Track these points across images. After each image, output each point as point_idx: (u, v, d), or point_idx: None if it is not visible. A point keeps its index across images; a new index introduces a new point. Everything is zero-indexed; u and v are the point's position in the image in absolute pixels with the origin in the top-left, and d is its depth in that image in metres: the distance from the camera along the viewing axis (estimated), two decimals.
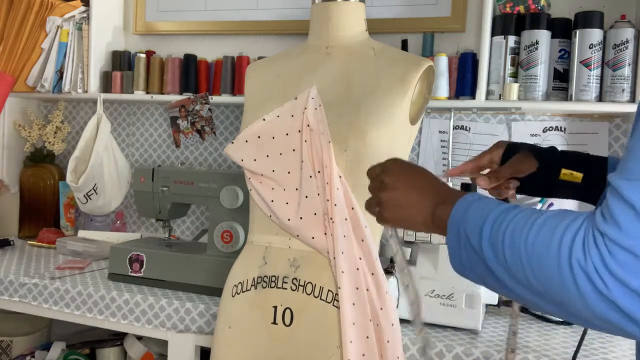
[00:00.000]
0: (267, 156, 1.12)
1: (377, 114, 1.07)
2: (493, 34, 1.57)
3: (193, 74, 1.96)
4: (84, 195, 1.89)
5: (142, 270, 1.51)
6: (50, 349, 1.82)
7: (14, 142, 2.18)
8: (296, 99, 1.12)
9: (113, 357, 1.84)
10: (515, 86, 1.53)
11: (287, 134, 1.11)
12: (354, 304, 1.04)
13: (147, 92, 1.99)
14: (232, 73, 1.91)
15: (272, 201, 1.11)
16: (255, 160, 1.13)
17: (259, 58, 1.89)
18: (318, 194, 1.07)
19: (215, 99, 1.91)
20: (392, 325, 1.05)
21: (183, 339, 1.40)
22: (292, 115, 1.11)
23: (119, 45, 2.11)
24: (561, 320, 1.38)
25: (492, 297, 1.33)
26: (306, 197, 1.08)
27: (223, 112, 2.04)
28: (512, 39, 1.54)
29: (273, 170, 1.11)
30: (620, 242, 0.56)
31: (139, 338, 1.77)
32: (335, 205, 1.04)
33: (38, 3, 1.97)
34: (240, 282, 1.16)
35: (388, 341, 1.04)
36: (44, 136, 2.14)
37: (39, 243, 1.96)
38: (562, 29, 1.52)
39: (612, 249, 0.56)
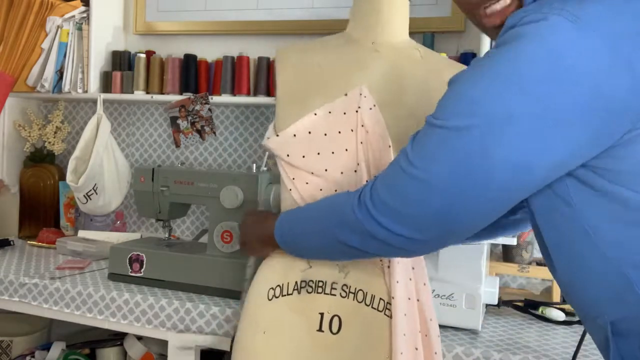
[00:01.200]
0: (318, 154, 1.04)
1: None
2: None
3: (193, 74, 1.96)
4: (84, 195, 1.89)
5: (142, 270, 1.51)
6: (50, 349, 1.82)
7: (14, 142, 2.18)
8: (346, 95, 1.05)
9: (113, 357, 1.84)
10: None
11: (339, 132, 1.05)
12: (405, 315, 1.01)
13: (147, 92, 1.99)
14: (232, 73, 1.91)
15: None
16: (303, 156, 1.04)
17: (259, 58, 1.89)
18: None
19: (215, 99, 1.91)
20: (438, 336, 1.04)
21: (183, 339, 1.40)
22: (345, 113, 1.05)
23: (119, 45, 2.11)
24: (561, 320, 1.38)
25: (492, 297, 1.33)
26: None
27: (223, 112, 2.04)
28: None
29: (326, 170, 1.04)
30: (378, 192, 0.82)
31: (139, 338, 1.77)
32: None
33: (38, 3, 1.97)
34: (278, 285, 1.08)
35: (436, 352, 1.02)
36: (44, 136, 2.14)
37: (39, 243, 1.96)
38: None
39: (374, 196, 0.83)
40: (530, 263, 1.53)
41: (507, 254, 1.55)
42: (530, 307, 1.42)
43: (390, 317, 1.02)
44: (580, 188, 0.74)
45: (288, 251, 1.01)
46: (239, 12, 1.97)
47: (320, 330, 1.05)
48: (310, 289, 1.06)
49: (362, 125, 1.03)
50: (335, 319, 1.04)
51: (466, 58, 1.64)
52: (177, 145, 2.05)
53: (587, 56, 0.68)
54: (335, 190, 1.04)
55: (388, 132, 1.03)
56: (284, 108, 1.09)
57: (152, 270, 1.50)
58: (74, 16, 2.03)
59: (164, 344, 1.46)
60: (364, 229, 0.83)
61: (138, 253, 1.52)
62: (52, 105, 2.25)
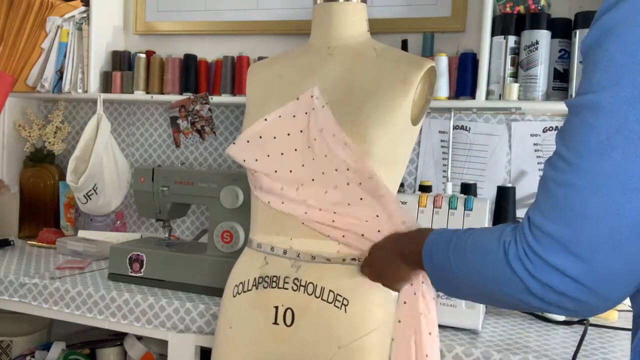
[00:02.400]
0: (268, 156, 1.12)
1: (379, 115, 1.07)
2: (493, 34, 1.57)
3: (193, 74, 1.96)
4: (84, 195, 1.89)
5: (142, 270, 1.51)
6: (50, 349, 1.82)
7: (14, 142, 2.18)
8: (298, 99, 1.12)
9: (113, 357, 1.84)
10: (515, 86, 1.53)
11: (288, 134, 1.11)
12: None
13: (147, 92, 1.99)
14: (232, 73, 1.91)
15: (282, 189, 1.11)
16: (256, 160, 1.13)
17: (259, 58, 1.89)
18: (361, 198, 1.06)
19: (215, 99, 1.91)
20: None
21: (183, 339, 1.40)
22: (294, 116, 1.11)
23: (119, 45, 2.11)
24: (561, 320, 1.38)
25: None
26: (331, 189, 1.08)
27: (223, 112, 2.04)
28: (512, 39, 1.54)
29: (275, 171, 1.12)
30: (543, 229, 0.64)
31: (139, 338, 1.77)
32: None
33: (38, 3, 1.97)
34: (241, 282, 1.16)
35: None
36: (44, 136, 2.14)
37: (39, 243, 1.96)
38: (562, 29, 1.52)
39: (536, 234, 0.64)
40: None
41: None
42: None
43: (340, 308, 1.06)
44: None
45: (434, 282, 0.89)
46: (239, 12, 1.97)
47: (275, 323, 1.10)
48: (266, 284, 1.12)
49: (317, 123, 1.08)
50: (289, 312, 1.09)
51: (466, 58, 1.64)
52: (177, 145, 2.05)
53: None
54: (282, 189, 1.10)
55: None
56: (248, 119, 1.19)
57: (152, 270, 1.50)
58: (74, 16, 2.03)
59: (164, 344, 1.46)
60: (530, 284, 0.66)
61: (138, 253, 1.52)
62: (52, 105, 2.25)
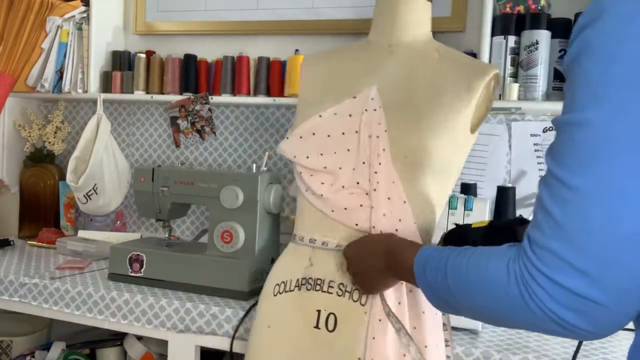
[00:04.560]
0: (321, 154, 1.07)
1: (439, 122, 1.03)
2: (493, 34, 1.57)
3: (193, 74, 1.96)
4: (84, 195, 1.89)
5: (142, 270, 1.51)
6: (50, 349, 1.82)
7: (14, 142, 2.18)
8: (355, 97, 1.08)
9: (113, 357, 1.84)
10: (515, 86, 1.53)
11: (343, 133, 1.07)
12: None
13: (147, 92, 1.99)
14: (232, 73, 1.91)
15: (322, 195, 1.07)
16: (307, 157, 1.08)
17: (259, 58, 1.90)
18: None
19: (215, 99, 1.91)
20: None
21: (183, 339, 1.40)
22: (350, 115, 1.07)
23: (119, 45, 2.11)
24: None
25: None
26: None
27: (223, 112, 2.04)
28: (512, 39, 1.54)
29: (325, 167, 1.07)
30: (545, 245, 0.62)
31: (139, 338, 1.77)
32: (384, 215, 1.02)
33: (38, 3, 1.97)
34: (283, 282, 1.12)
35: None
36: (44, 136, 2.14)
37: (39, 243, 1.96)
38: (562, 29, 1.52)
39: (540, 254, 0.62)
40: None
41: None
42: None
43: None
44: None
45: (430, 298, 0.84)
46: (239, 12, 1.97)
47: (317, 327, 1.06)
48: (309, 286, 1.08)
49: (369, 126, 1.05)
50: (331, 317, 1.05)
51: None
52: (177, 145, 2.05)
53: None
54: (331, 184, 1.06)
55: (391, 132, 1.03)
56: (301, 112, 1.14)
57: (152, 270, 1.50)
58: (74, 16, 2.03)
59: (164, 344, 1.46)
60: (538, 311, 0.63)
61: (138, 253, 1.52)
62: (52, 105, 2.25)
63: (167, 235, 1.63)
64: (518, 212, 1.62)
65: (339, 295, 1.05)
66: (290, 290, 1.10)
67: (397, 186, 1.02)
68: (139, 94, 1.99)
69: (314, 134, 1.08)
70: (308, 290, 1.08)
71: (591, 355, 1.18)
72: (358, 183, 1.05)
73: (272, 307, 1.12)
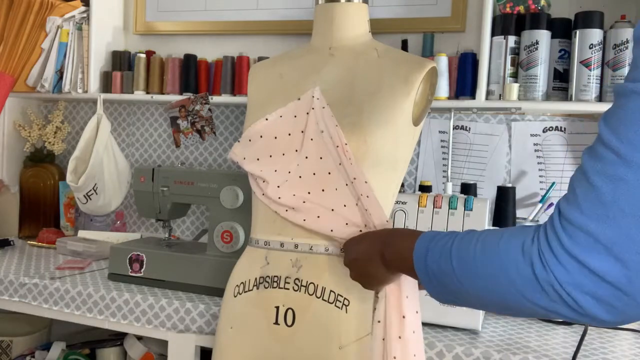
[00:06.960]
0: (270, 156, 1.12)
1: (380, 115, 1.07)
2: (493, 34, 1.57)
3: (193, 74, 1.96)
4: (84, 195, 1.89)
5: (142, 270, 1.51)
6: (50, 349, 1.82)
7: (14, 142, 2.18)
8: (299, 99, 1.12)
9: (113, 357, 1.84)
10: (515, 86, 1.53)
11: (289, 134, 1.11)
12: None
13: (147, 92, 1.99)
14: (232, 73, 1.91)
15: (279, 198, 1.10)
16: (257, 159, 1.13)
17: (259, 58, 1.89)
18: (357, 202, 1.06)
19: (215, 99, 1.91)
20: None
21: (183, 339, 1.40)
22: (295, 116, 1.11)
23: (119, 45, 2.11)
24: (561, 320, 1.37)
25: None
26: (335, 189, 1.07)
27: (223, 112, 2.04)
28: (512, 39, 1.55)
29: (275, 170, 1.11)
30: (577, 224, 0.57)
31: (139, 338, 1.77)
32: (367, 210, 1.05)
33: (38, 3, 1.97)
34: (242, 282, 1.16)
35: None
36: (44, 136, 2.14)
37: (39, 243, 1.96)
38: (562, 29, 1.52)
39: (572, 232, 0.57)
40: None
41: None
42: None
43: (341, 308, 1.06)
44: None
45: (428, 287, 0.81)
46: (239, 12, 1.97)
47: (276, 323, 1.10)
48: (267, 284, 1.12)
49: (317, 124, 1.08)
50: (290, 312, 1.09)
51: (466, 58, 1.64)
52: (177, 145, 2.05)
53: None
54: (278, 187, 1.09)
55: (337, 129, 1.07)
56: (250, 119, 1.19)
57: (152, 270, 1.50)
58: (74, 16, 2.03)
59: (164, 344, 1.46)
60: (555, 288, 0.59)
61: (138, 253, 1.52)
62: (52, 105, 2.25)
63: (167, 235, 1.63)
64: (518, 212, 1.62)
65: (295, 290, 1.09)
66: (249, 290, 1.14)
67: (358, 182, 1.05)
68: (139, 94, 1.99)
69: (261, 136, 1.13)
70: (266, 288, 1.12)
71: (591, 355, 1.18)
72: (309, 179, 1.08)
73: (233, 309, 1.16)
